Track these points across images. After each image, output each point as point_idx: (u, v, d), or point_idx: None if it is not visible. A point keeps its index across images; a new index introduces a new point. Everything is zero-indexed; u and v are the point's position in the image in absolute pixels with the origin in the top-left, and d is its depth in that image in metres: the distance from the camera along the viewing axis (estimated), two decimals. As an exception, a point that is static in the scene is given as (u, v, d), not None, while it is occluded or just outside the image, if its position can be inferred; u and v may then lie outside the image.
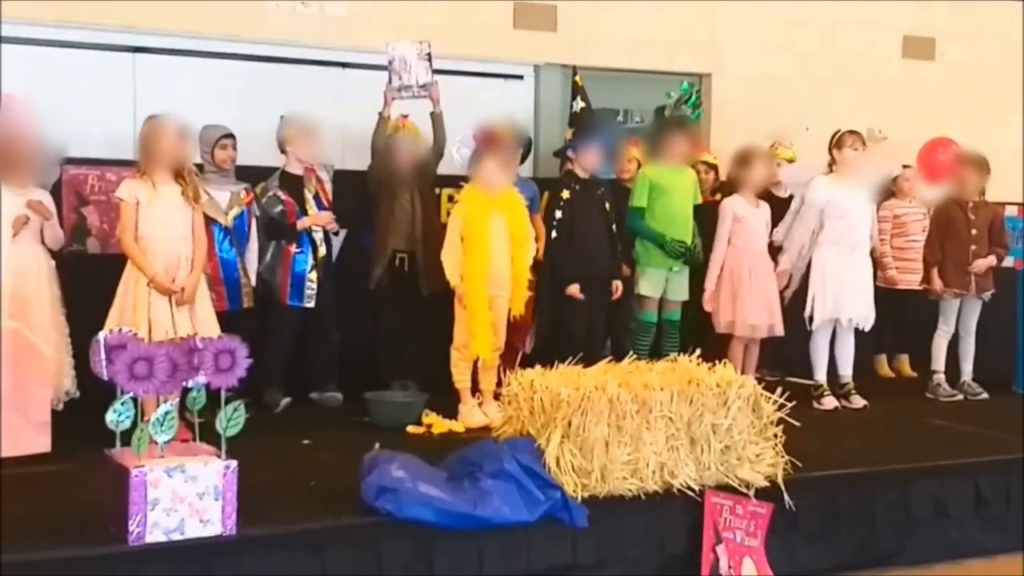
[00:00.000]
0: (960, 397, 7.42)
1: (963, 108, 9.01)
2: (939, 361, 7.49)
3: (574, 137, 7.10)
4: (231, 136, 6.35)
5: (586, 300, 6.64)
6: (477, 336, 6.11)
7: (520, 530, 4.51)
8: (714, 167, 7.60)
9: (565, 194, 6.71)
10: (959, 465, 5.60)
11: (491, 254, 6.13)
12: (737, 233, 6.92)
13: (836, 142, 6.95)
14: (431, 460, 4.80)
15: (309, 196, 6.50)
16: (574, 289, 6.60)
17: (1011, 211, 8.09)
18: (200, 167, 6.09)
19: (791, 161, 7.57)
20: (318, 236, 6.51)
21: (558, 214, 6.66)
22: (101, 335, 4.19)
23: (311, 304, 6.44)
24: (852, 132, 6.95)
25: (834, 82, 8.82)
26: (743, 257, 6.91)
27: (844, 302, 6.87)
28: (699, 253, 6.99)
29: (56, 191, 6.21)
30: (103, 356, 4.11)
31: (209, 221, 5.95)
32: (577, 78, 7.35)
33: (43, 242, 5.79)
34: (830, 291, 6.85)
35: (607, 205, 6.80)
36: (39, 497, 4.56)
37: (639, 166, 7.17)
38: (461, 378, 6.23)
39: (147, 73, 6.89)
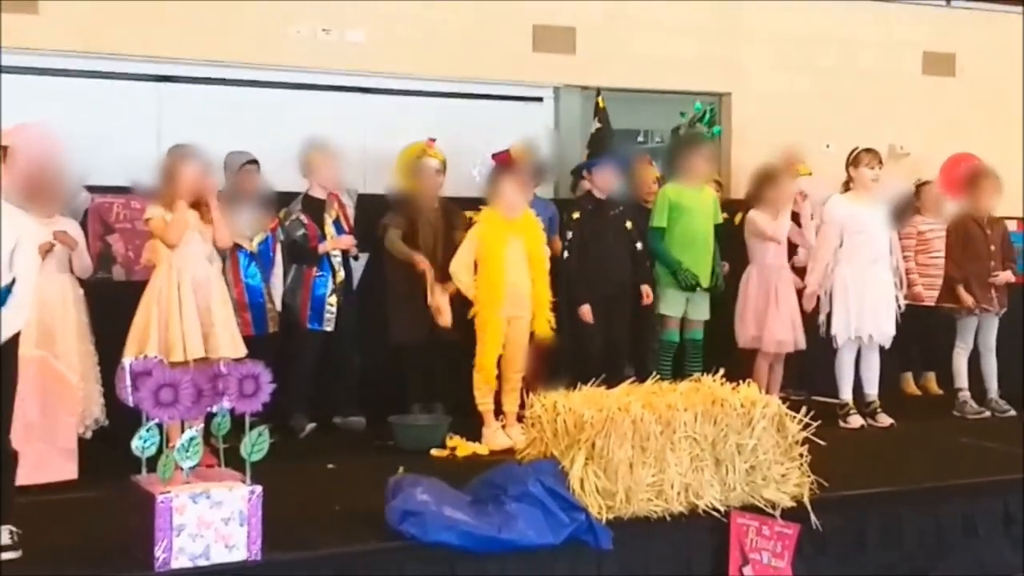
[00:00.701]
0: (987, 414, 7.36)
1: (984, 123, 8.97)
2: (962, 379, 7.44)
3: (589, 157, 7.12)
4: (255, 162, 6.40)
5: (602, 319, 6.63)
6: (485, 358, 6.11)
7: (545, 553, 4.50)
8: (719, 183, 7.60)
9: (576, 215, 6.75)
10: (988, 483, 5.55)
11: (508, 276, 6.13)
12: (761, 250, 6.91)
13: (853, 160, 6.96)
14: (455, 483, 4.80)
15: (329, 220, 6.54)
16: (585, 311, 6.60)
17: (1011, 226, 8.04)
18: (225, 194, 6.14)
19: (808, 175, 7.55)
20: (337, 260, 6.54)
21: (569, 235, 6.68)
22: (126, 361, 4.22)
23: (330, 328, 6.47)
24: (868, 151, 6.95)
25: (854, 99, 8.79)
26: (768, 274, 6.91)
27: (865, 318, 6.85)
28: (720, 278, 6.99)
29: (82, 220, 6.27)
30: (129, 383, 4.14)
31: (234, 247, 5.99)
32: (600, 99, 7.36)
33: (71, 271, 5.85)
34: (852, 308, 6.83)
35: (628, 224, 6.79)
36: (66, 524, 4.59)
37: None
38: (483, 400, 6.23)
39: (171, 101, 6.96)
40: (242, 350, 5.42)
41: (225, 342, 5.47)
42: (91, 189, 6.39)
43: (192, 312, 5.39)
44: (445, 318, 6.26)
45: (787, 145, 7.21)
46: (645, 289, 6.78)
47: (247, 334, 5.92)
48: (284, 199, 6.58)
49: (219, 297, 5.59)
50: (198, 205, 5.58)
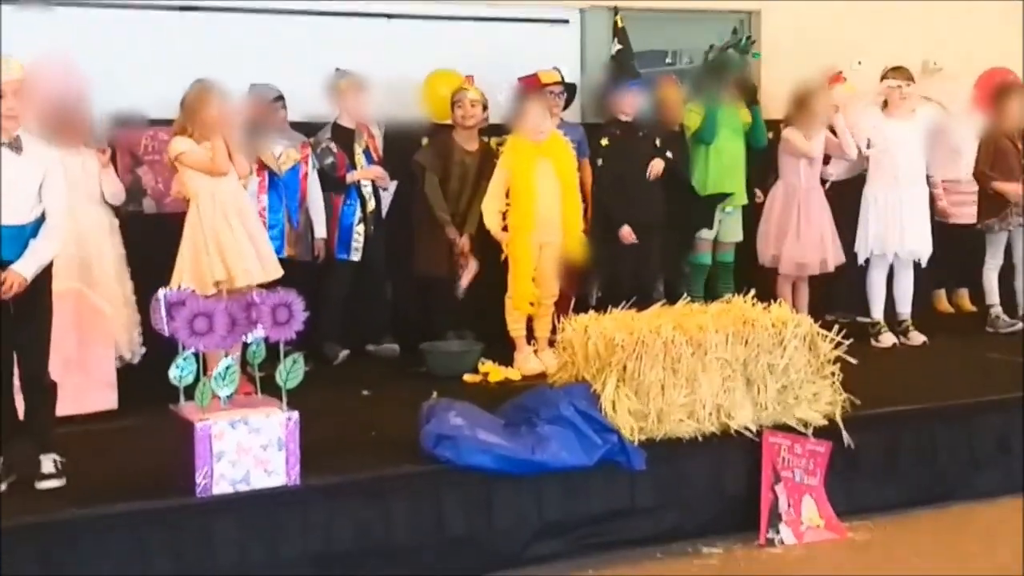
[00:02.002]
0: (1020, 326, 7.30)
1: (1019, 38, 8.77)
2: (993, 295, 7.39)
3: (611, 80, 7.02)
4: (281, 98, 6.36)
5: (624, 246, 6.60)
6: (517, 287, 6.12)
7: (579, 474, 4.55)
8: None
9: (604, 141, 6.67)
10: (1020, 399, 5.53)
11: (539, 202, 6.10)
12: (792, 169, 6.85)
13: (881, 78, 6.87)
14: (488, 408, 4.85)
15: (359, 150, 6.52)
16: (626, 232, 6.56)
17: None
18: (248, 126, 6.12)
19: (852, 91, 7.42)
20: (367, 190, 6.53)
21: (599, 162, 6.62)
22: (161, 292, 4.26)
23: (357, 257, 6.47)
24: (896, 68, 6.87)
25: (886, 14, 8.61)
26: (795, 194, 6.86)
27: (890, 237, 6.80)
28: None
29: (111, 152, 6.27)
30: (163, 313, 4.19)
31: (260, 169, 5.99)
32: (618, 18, 7.24)
33: (104, 202, 5.87)
34: (876, 225, 6.79)
35: (658, 143, 6.72)
36: (108, 453, 4.68)
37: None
38: (516, 326, 6.24)
39: (195, 31, 6.91)
40: (280, 270, 5.44)
41: (270, 261, 5.48)
42: (118, 122, 6.38)
43: (244, 238, 5.40)
44: (469, 275, 6.25)
45: (828, 66, 7.08)
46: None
47: None
48: (313, 129, 6.55)
49: (256, 222, 5.61)
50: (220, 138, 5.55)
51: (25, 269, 4.18)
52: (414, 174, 6.76)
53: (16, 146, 4.21)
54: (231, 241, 5.32)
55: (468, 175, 6.67)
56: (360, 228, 6.49)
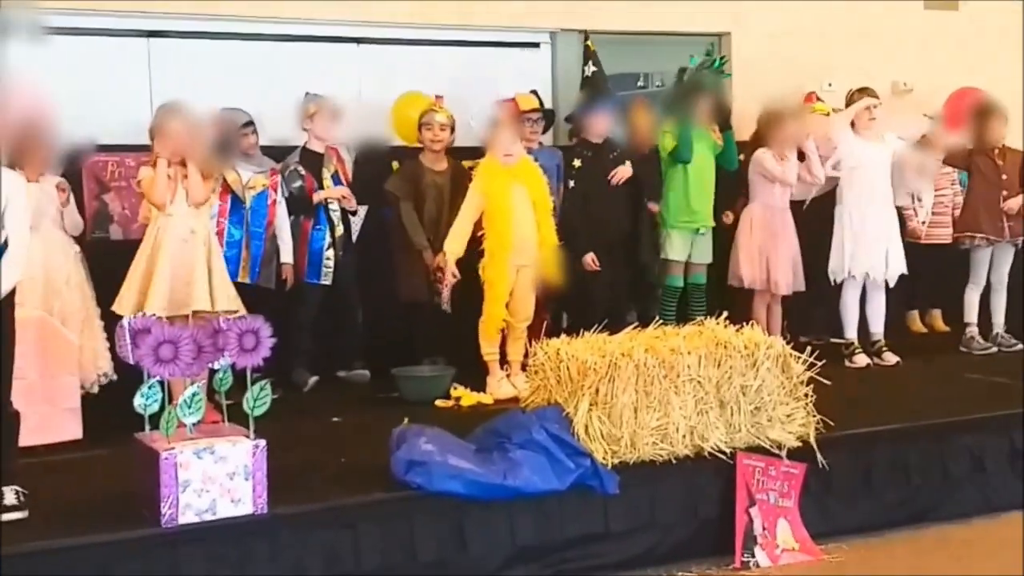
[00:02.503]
0: (994, 349, 7.33)
1: (987, 57, 8.85)
2: (971, 313, 7.41)
3: (584, 102, 7.03)
4: (251, 123, 6.33)
5: (604, 266, 6.59)
6: (490, 310, 6.09)
7: (551, 499, 4.50)
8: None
9: (576, 163, 6.68)
10: (995, 418, 5.53)
11: (515, 225, 6.08)
12: (765, 190, 6.86)
13: (848, 101, 6.93)
14: (460, 433, 4.79)
15: (327, 174, 6.49)
16: (589, 259, 6.56)
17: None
18: (216, 150, 6.08)
19: (827, 115, 7.45)
20: (336, 215, 6.49)
21: (570, 183, 6.61)
22: (126, 320, 4.21)
23: (327, 281, 6.44)
24: (861, 90, 6.94)
25: (857, 35, 8.68)
26: (771, 214, 6.87)
27: (862, 256, 6.82)
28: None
29: (77, 179, 6.23)
30: (128, 340, 4.13)
31: (225, 194, 5.94)
32: (589, 42, 7.25)
33: (63, 228, 5.82)
34: (847, 246, 6.83)
35: (628, 165, 6.71)
36: (71, 483, 4.60)
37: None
38: (489, 350, 6.21)
39: (162, 57, 6.88)
40: (238, 304, 5.38)
41: (222, 293, 5.42)
42: (84, 148, 6.33)
43: (198, 266, 5.36)
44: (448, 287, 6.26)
45: (798, 87, 7.12)
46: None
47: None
48: (282, 153, 6.52)
49: (216, 252, 5.54)
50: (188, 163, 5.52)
51: (-15, 297, 4.11)
52: (386, 199, 6.73)
53: (-23, 172, 4.14)
54: (160, 271, 5.29)
55: (442, 195, 6.66)
56: (330, 253, 6.44)
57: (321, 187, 6.46)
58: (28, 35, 5.57)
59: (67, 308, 5.60)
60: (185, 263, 5.36)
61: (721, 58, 7.59)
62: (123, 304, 5.33)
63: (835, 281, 6.91)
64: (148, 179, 5.43)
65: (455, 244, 6.10)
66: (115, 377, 5.72)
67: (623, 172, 6.62)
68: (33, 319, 5.09)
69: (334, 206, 6.50)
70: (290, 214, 6.40)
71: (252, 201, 6.20)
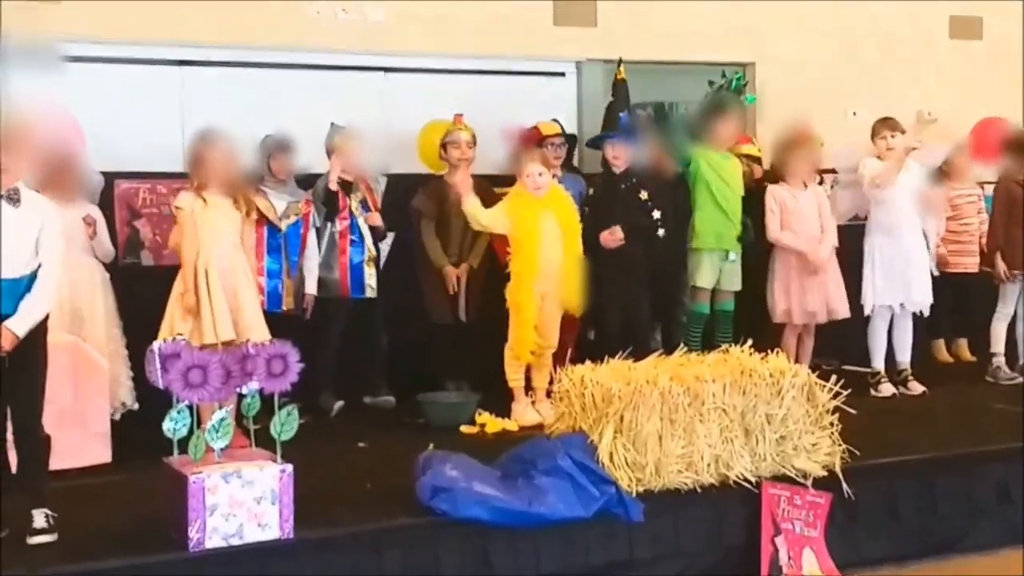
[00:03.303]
0: (1021, 380, 7.28)
1: (1012, 87, 8.84)
2: (998, 344, 7.36)
3: (603, 130, 7.08)
4: (287, 147, 6.36)
5: (622, 293, 6.57)
6: (519, 335, 6.10)
7: (576, 526, 4.51)
8: (757, 159, 7.50)
9: (592, 191, 6.74)
10: (1021, 448, 5.49)
11: (542, 251, 6.10)
12: (786, 222, 6.86)
13: (871, 133, 6.92)
14: (485, 459, 4.82)
15: (355, 201, 6.51)
16: (606, 234, 6.49)
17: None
18: (261, 177, 6.16)
19: (820, 145, 7.44)
20: (366, 229, 6.51)
21: (585, 210, 6.64)
22: (155, 345, 4.25)
23: (372, 294, 6.46)
24: (883, 121, 6.91)
25: (881, 65, 8.69)
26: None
27: (897, 287, 6.80)
28: (750, 232, 6.96)
29: (108, 205, 6.31)
30: (158, 365, 4.17)
31: (261, 223, 6.00)
32: (620, 69, 7.29)
33: (95, 255, 5.89)
34: (880, 276, 6.79)
35: (643, 195, 6.70)
36: (100, 507, 4.64)
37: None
38: (515, 376, 6.22)
39: (193, 86, 6.97)
40: (266, 334, 5.43)
41: (254, 325, 5.48)
42: (117, 175, 6.42)
43: (220, 296, 5.42)
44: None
45: (796, 118, 7.11)
46: (605, 233, 6.52)
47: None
48: (311, 180, 6.57)
49: (244, 280, 5.60)
50: (231, 190, 5.58)
51: (18, 327, 4.17)
52: (410, 221, 6.78)
53: (14, 198, 4.21)
54: (204, 300, 5.37)
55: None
56: (371, 267, 6.47)
57: (350, 214, 6.48)
58: (60, 64, 5.71)
59: (91, 335, 5.65)
60: (226, 291, 5.43)
61: (738, 77, 7.63)
62: (167, 332, 5.37)
63: (868, 310, 6.86)
64: (186, 211, 5.49)
65: (479, 215, 6.14)
66: (136, 406, 5.78)
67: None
68: (65, 344, 5.15)
69: (366, 230, 6.52)
70: (326, 220, 6.39)
71: (288, 229, 6.24)
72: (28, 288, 4.21)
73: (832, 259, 6.91)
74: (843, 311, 6.88)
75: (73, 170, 5.69)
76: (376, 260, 6.55)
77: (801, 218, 6.85)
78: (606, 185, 6.73)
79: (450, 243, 6.74)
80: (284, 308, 6.09)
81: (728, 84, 7.43)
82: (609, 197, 6.69)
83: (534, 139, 6.83)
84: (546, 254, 6.12)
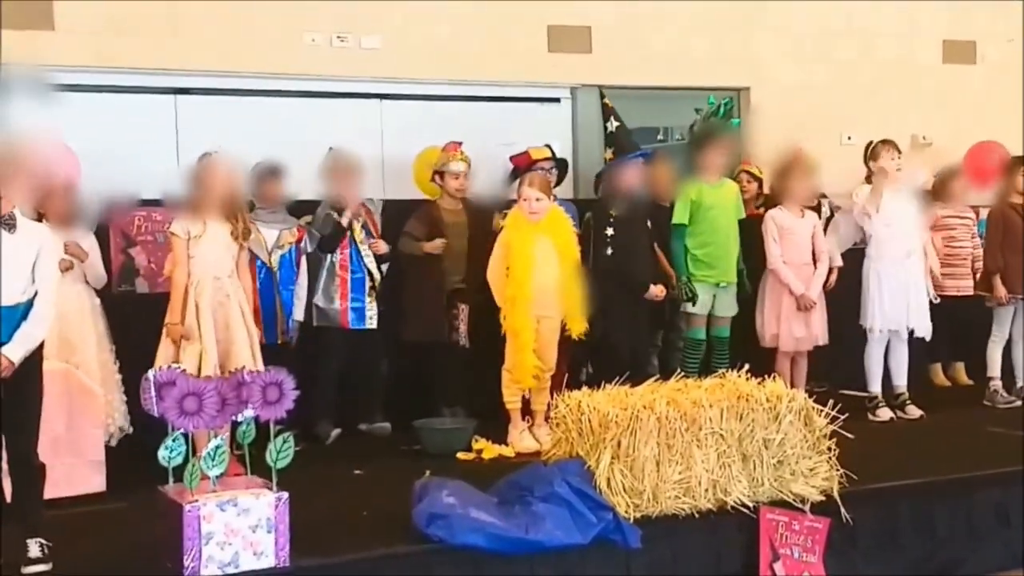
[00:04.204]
0: (1018, 403, 7.28)
1: (1006, 111, 8.89)
2: (995, 368, 7.37)
3: (614, 156, 7.07)
4: (278, 173, 6.36)
5: (627, 318, 6.57)
6: (518, 360, 6.09)
7: (574, 553, 4.48)
8: (758, 179, 7.53)
9: (614, 211, 6.66)
10: (1020, 472, 5.47)
11: (536, 276, 6.09)
12: (783, 246, 6.86)
13: (871, 154, 6.91)
14: (482, 486, 4.79)
15: (357, 226, 6.50)
16: (656, 291, 6.62)
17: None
18: (252, 204, 6.16)
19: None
20: (370, 261, 6.51)
21: (610, 231, 6.62)
22: (151, 373, 4.23)
23: (373, 324, 6.46)
24: (884, 142, 6.90)
25: (875, 90, 8.74)
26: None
27: (901, 311, 6.79)
28: (744, 275, 6.97)
29: (103, 233, 6.30)
30: (153, 393, 4.15)
31: (253, 257, 6.01)
32: (606, 100, 7.32)
33: (86, 281, 5.88)
34: (886, 301, 6.78)
35: (648, 223, 6.77)
36: (95, 536, 4.61)
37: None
38: (512, 400, 6.20)
39: (188, 113, 6.99)
40: (260, 366, 5.40)
41: (244, 358, 5.45)
42: (111, 203, 6.41)
43: (210, 329, 5.41)
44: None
45: (789, 143, 7.13)
46: (657, 289, 6.69)
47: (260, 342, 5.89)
48: (307, 207, 6.58)
49: (237, 314, 5.58)
50: (230, 214, 5.58)
51: (14, 353, 4.15)
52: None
53: (10, 224, 4.20)
54: (195, 332, 5.38)
55: (463, 231, 6.73)
56: (371, 299, 6.46)
57: (353, 238, 6.48)
58: (56, 93, 5.72)
59: (83, 361, 5.62)
60: (218, 324, 5.44)
61: (726, 102, 7.63)
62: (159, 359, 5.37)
63: (875, 334, 6.84)
64: (179, 239, 5.48)
65: (496, 284, 6.14)
66: (131, 430, 5.75)
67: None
68: (58, 371, 5.12)
69: (368, 255, 6.51)
70: (327, 251, 6.40)
71: (282, 259, 6.24)
72: (24, 316, 4.20)
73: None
74: (824, 339, 6.91)
75: (69, 197, 5.69)
76: (375, 288, 6.54)
77: (795, 244, 6.86)
78: (629, 208, 6.66)
79: (449, 262, 6.71)
80: (280, 342, 6.07)
81: (716, 110, 7.44)
82: (631, 221, 6.63)
83: (524, 163, 6.83)
84: (540, 278, 6.11)
